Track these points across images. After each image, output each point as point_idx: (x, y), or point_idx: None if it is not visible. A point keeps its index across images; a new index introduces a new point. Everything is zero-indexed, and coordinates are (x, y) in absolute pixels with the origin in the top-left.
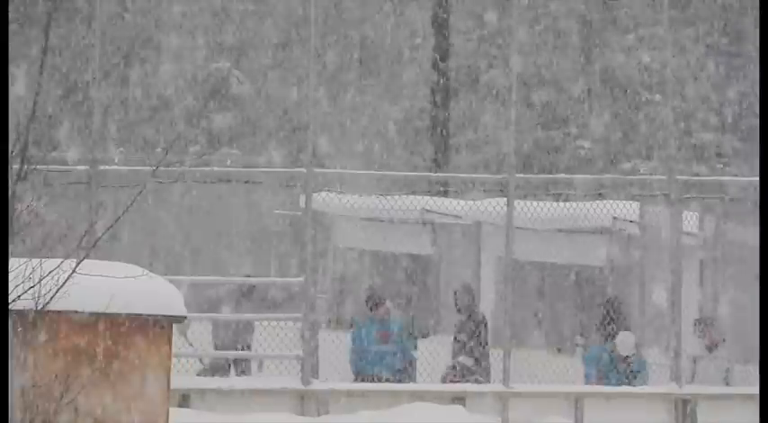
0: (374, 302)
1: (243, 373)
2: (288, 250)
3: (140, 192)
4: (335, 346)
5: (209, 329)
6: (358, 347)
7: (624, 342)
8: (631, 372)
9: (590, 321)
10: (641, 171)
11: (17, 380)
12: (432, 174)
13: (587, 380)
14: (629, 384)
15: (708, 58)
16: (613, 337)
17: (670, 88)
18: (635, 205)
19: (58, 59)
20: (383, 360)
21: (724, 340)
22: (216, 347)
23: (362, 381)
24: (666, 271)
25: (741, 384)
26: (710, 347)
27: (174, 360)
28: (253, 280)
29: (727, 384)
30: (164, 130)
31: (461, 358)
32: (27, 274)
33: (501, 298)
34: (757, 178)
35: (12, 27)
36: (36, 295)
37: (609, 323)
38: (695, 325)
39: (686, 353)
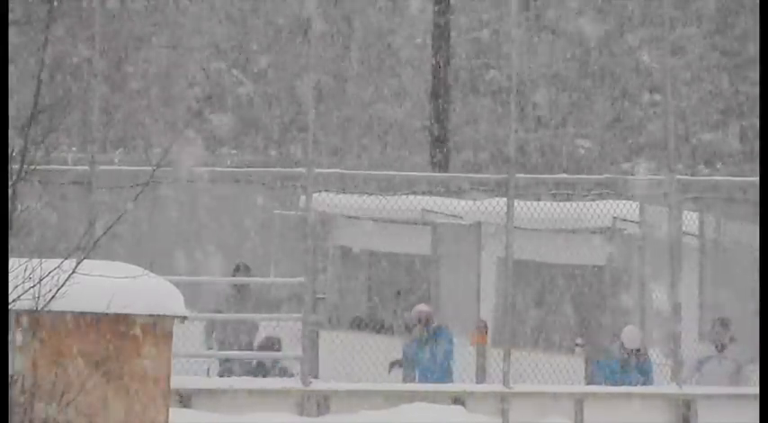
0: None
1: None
2: (288, 250)
3: (141, 192)
4: (335, 346)
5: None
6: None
7: (629, 337)
8: (642, 368)
9: (590, 322)
10: (641, 171)
11: (17, 380)
12: (432, 174)
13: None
14: (641, 381)
15: (708, 57)
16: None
17: (670, 88)
18: (635, 205)
19: (58, 59)
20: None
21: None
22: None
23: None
24: (666, 271)
25: (746, 385)
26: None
27: (173, 360)
28: (251, 280)
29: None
30: (163, 131)
31: None
32: (27, 274)
33: (501, 298)
34: (757, 178)
35: (12, 28)
36: (36, 295)
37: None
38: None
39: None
